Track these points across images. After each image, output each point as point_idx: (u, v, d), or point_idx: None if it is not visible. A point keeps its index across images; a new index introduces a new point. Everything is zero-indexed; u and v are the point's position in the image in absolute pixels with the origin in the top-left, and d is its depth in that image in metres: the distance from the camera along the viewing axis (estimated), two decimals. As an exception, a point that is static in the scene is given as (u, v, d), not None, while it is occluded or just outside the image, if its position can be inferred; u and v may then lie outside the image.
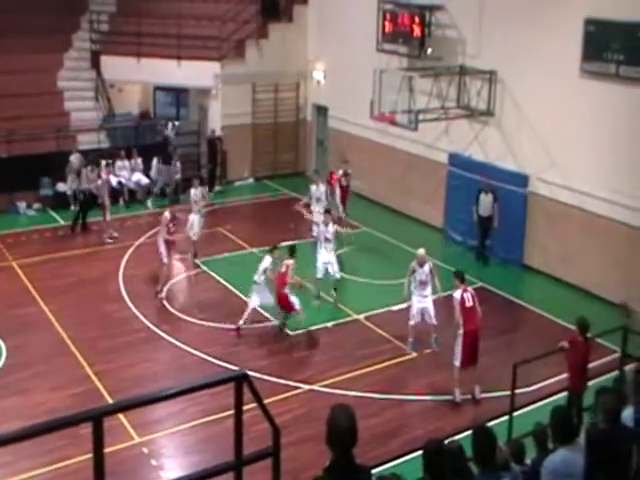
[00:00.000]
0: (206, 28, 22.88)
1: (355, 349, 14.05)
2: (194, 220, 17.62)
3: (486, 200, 17.61)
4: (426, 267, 13.75)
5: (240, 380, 3.87)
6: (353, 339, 14.46)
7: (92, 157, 20.50)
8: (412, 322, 13.75)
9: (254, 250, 18.00)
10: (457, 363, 12.23)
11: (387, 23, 19.77)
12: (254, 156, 23.96)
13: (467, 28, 18.55)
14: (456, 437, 9.94)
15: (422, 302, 13.72)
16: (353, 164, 22.29)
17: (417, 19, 18.93)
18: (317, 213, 17.54)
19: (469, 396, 12.43)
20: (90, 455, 10.34)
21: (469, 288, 12.57)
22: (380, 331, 14.55)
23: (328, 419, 4.28)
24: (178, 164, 22.09)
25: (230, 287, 16.37)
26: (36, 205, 20.89)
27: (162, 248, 15.97)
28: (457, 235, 19.29)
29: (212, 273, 17.03)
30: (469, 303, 12.15)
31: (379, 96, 18.10)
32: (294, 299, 14.17)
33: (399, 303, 14.54)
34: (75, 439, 8.82)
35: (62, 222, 20.21)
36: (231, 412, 3.96)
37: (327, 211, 16.56)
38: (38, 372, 12.96)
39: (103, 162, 19.96)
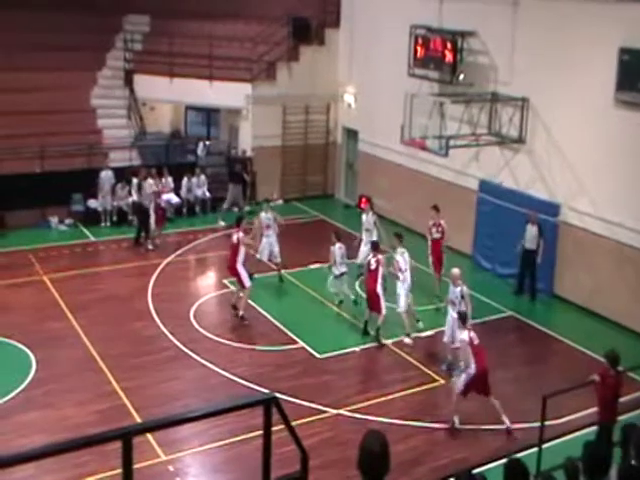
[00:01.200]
0: (238, 49, 23.13)
1: (383, 374, 14.01)
2: (271, 242, 17.53)
3: (532, 231, 17.16)
4: (458, 288, 13.71)
5: (269, 403, 3.87)
6: (381, 364, 14.41)
7: (125, 174, 20.79)
8: (444, 339, 13.95)
9: (283, 272, 18.02)
10: (459, 392, 12.13)
11: (419, 48, 19.86)
12: (283, 177, 24.08)
13: (499, 55, 18.56)
14: (483, 468, 9.93)
15: (448, 321, 13.79)
16: (382, 188, 22.39)
17: (449, 45, 18.99)
18: (362, 246, 17.17)
19: (498, 426, 12.31)
20: (115, 472, 10.35)
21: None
22: (408, 357, 14.48)
23: (361, 444, 4.26)
24: (202, 178, 22.33)
25: (258, 308, 16.39)
26: (67, 220, 21.13)
27: (243, 272, 15.71)
28: (486, 262, 19.20)
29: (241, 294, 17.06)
30: (477, 341, 12.01)
31: (410, 121, 18.15)
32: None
33: (428, 329, 14.52)
34: (100, 455, 8.89)
35: (92, 238, 20.43)
36: (257, 433, 3.95)
37: (375, 244, 15.67)
38: (65, 386, 13.04)
39: (150, 180, 20.28)
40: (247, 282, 15.70)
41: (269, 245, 17.59)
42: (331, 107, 24.65)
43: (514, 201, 17.88)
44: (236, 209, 22.22)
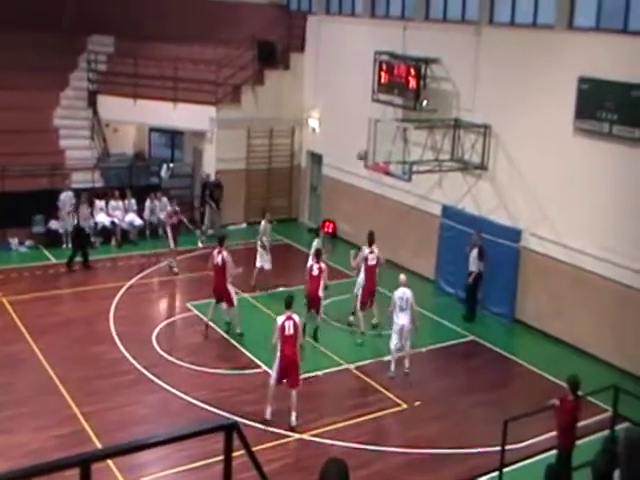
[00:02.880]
0: (203, 72, 23.15)
1: (345, 399, 13.99)
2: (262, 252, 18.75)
3: (473, 254, 17.61)
4: (406, 291, 14.68)
5: (230, 430, 3.86)
6: (343, 388, 14.41)
7: (85, 197, 20.57)
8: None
9: (245, 295, 17.97)
10: (272, 381, 12.80)
11: (383, 74, 20.05)
12: (247, 201, 24.07)
13: (462, 82, 18.85)
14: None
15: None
16: (345, 211, 22.50)
17: (413, 71, 19.20)
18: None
19: (462, 450, 12.35)
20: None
21: (294, 317, 12.80)
22: (370, 381, 14.50)
23: (320, 473, 4.25)
24: (164, 200, 22.26)
25: (219, 331, 16.31)
26: (28, 242, 20.84)
27: (232, 291, 16.15)
28: (448, 287, 19.35)
29: (202, 316, 16.96)
30: (289, 332, 12.55)
31: (374, 146, 18.31)
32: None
33: (388, 354, 14.63)
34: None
35: (54, 260, 20.17)
36: (218, 458, 3.92)
37: (317, 252, 16.18)
38: (24, 411, 12.80)
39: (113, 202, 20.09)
40: (235, 301, 16.11)
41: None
42: (296, 131, 24.76)
43: (476, 227, 18.08)
44: (211, 231, 22.39)
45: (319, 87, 24.04)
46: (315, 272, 15.67)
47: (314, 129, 24.35)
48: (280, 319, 12.68)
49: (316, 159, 24.63)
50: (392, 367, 14.65)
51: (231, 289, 16.09)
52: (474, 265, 17.55)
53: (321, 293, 15.76)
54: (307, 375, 14.58)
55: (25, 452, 11.42)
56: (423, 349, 15.72)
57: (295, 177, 25.12)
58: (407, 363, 14.75)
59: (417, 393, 14.15)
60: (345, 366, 15.12)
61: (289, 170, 24.95)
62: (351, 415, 13.26)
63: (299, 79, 24.63)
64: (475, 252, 17.48)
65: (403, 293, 14.65)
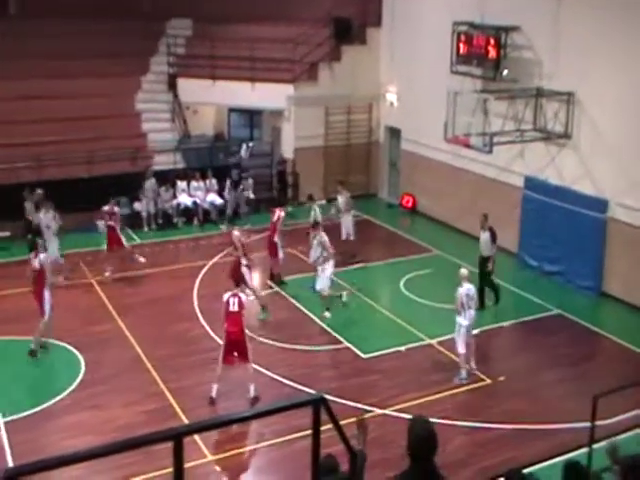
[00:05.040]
0: (279, 51, 23.16)
1: (427, 374, 13.89)
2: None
3: (484, 237, 16.35)
4: (468, 286, 13.55)
5: (318, 404, 3.85)
6: (425, 363, 14.30)
7: (169, 177, 21.00)
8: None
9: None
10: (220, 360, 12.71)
11: (461, 45, 19.69)
12: (326, 178, 24.07)
13: (544, 49, 18.30)
14: (532, 468, 9.79)
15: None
16: (425, 186, 22.30)
17: (492, 41, 18.79)
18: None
19: (546, 426, 12.11)
20: (159, 472, 10.44)
21: (240, 294, 12.77)
22: (453, 356, 14.36)
23: (408, 430, 4.50)
24: (250, 182, 22.47)
25: (302, 308, 16.42)
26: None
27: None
28: (532, 260, 18.95)
29: (284, 293, 17.11)
30: (233, 308, 12.57)
31: (453, 118, 18.01)
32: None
33: (473, 329, 14.38)
34: (146, 455, 8.95)
35: (138, 240, 20.66)
36: (300, 434, 3.94)
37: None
38: (113, 387, 13.21)
39: (195, 183, 20.20)
40: (47, 310, 14.33)
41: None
42: (373, 106, 24.58)
43: (560, 198, 17.60)
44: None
45: (396, 61, 23.76)
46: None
47: (392, 103, 24.11)
48: (226, 295, 12.73)
49: (395, 134, 24.40)
50: (463, 374, 13.52)
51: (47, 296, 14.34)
52: (487, 249, 16.29)
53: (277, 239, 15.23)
54: (389, 350, 14.60)
55: (115, 427, 11.79)
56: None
57: (373, 153, 24.96)
58: (474, 364, 13.83)
59: (501, 368, 13.95)
60: (427, 341, 15.01)
61: (367, 146, 24.80)
62: (434, 390, 13.17)
63: (376, 54, 24.40)
64: (487, 235, 16.29)
65: (469, 290, 13.46)
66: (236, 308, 12.69)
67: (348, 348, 14.74)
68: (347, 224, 19.22)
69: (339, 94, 23.62)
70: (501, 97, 18.08)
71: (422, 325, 15.64)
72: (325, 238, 16.11)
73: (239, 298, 12.80)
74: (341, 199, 19.36)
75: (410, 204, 23.22)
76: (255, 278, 17.30)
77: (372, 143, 24.88)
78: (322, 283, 16.04)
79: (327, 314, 15.92)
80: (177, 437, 3.38)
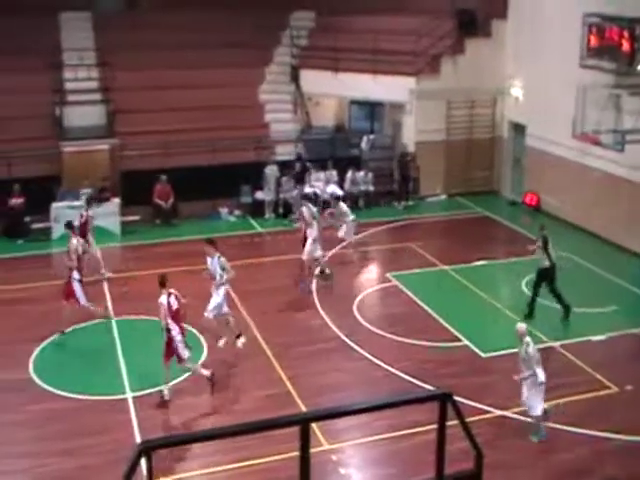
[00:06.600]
0: (402, 43, 22.97)
1: (549, 377, 13.43)
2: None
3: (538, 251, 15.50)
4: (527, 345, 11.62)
5: (445, 400, 3.82)
6: (548, 366, 13.85)
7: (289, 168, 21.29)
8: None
9: (445, 267, 17.82)
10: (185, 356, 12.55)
11: (592, 37, 19.00)
12: (447, 173, 23.77)
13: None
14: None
15: None
16: (550, 183, 21.68)
17: (626, 33, 18.06)
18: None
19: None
20: (278, 457, 10.60)
21: (173, 291, 12.49)
22: (576, 360, 13.92)
23: None
24: (368, 174, 22.46)
25: (420, 303, 16.30)
26: (236, 212, 21.91)
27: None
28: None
29: (403, 287, 17.04)
30: (176, 306, 12.39)
31: (582, 114, 17.43)
32: None
33: (599, 334, 13.92)
34: (264, 439, 9.08)
35: (259, 228, 21.04)
36: (416, 430, 3.88)
37: None
38: (234, 371, 13.55)
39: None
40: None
41: None
42: (497, 101, 24.06)
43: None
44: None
45: (522, 54, 23.15)
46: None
47: (517, 98, 23.53)
48: (163, 298, 12.26)
49: (519, 129, 23.80)
50: (543, 432, 11.71)
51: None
52: (545, 259, 15.31)
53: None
54: (510, 351, 14.27)
55: (235, 410, 12.13)
56: (636, 330, 14.30)
57: (496, 148, 24.44)
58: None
59: (629, 376, 13.38)
60: (550, 344, 14.59)
61: (490, 141, 24.31)
62: (556, 395, 12.74)
63: (501, 47, 23.85)
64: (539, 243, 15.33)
65: (535, 344, 11.85)
66: (178, 305, 12.42)
67: (467, 346, 14.53)
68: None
69: (462, 88, 23.25)
70: (636, 93, 17.34)
71: (543, 327, 15.21)
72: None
73: (175, 295, 12.47)
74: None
75: (534, 202, 22.61)
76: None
77: (495, 139, 24.36)
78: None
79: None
80: (306, 422, 3.43)
